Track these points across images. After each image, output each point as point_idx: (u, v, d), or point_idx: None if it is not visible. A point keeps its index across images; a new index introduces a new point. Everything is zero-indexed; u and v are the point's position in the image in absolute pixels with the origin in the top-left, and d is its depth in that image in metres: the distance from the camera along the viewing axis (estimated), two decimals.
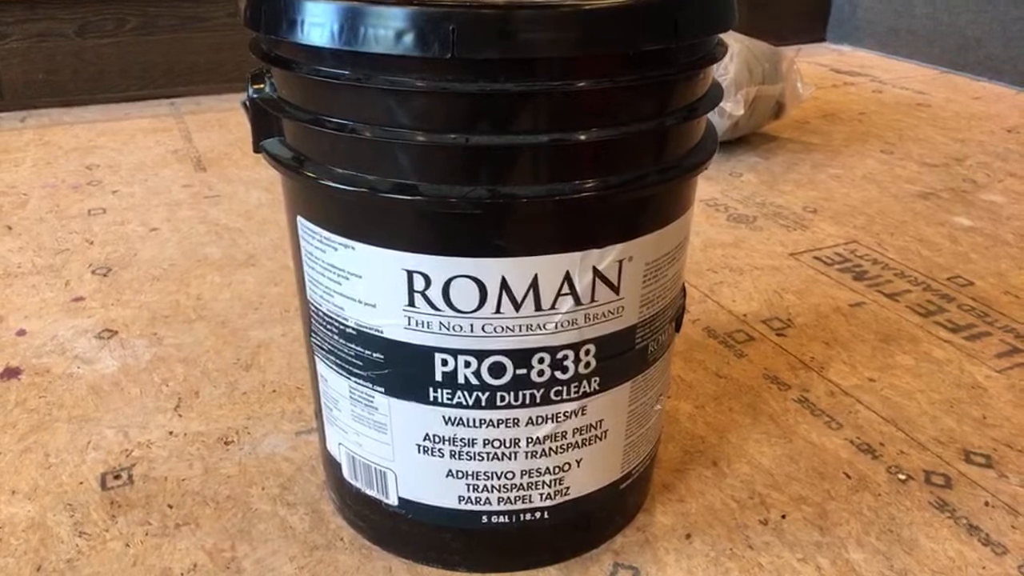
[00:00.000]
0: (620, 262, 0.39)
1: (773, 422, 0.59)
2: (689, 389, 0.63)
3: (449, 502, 0.44)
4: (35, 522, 0.50)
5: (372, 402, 0.42)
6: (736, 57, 1.07)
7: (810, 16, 1.84)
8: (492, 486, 0.43)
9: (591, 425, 0.43)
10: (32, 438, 0.57)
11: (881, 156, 1.15)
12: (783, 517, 0.50)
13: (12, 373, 0.64)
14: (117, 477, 0.53)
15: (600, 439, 0.44)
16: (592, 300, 0.39)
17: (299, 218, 0.42)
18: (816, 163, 1.12)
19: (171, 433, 0.57)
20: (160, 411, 0.60)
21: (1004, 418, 0.60)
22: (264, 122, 0.41)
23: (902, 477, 0.54)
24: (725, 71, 1.06)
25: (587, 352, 0.41)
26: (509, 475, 0.43)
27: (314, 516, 0.50)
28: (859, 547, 0.48)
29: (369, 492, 0.46)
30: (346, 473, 0.47)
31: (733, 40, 1.10)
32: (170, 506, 0.51)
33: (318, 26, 0.35)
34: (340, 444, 0.46)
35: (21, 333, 0.69)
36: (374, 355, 0.41)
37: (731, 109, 1.05)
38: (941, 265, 0.83)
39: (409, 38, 0.33)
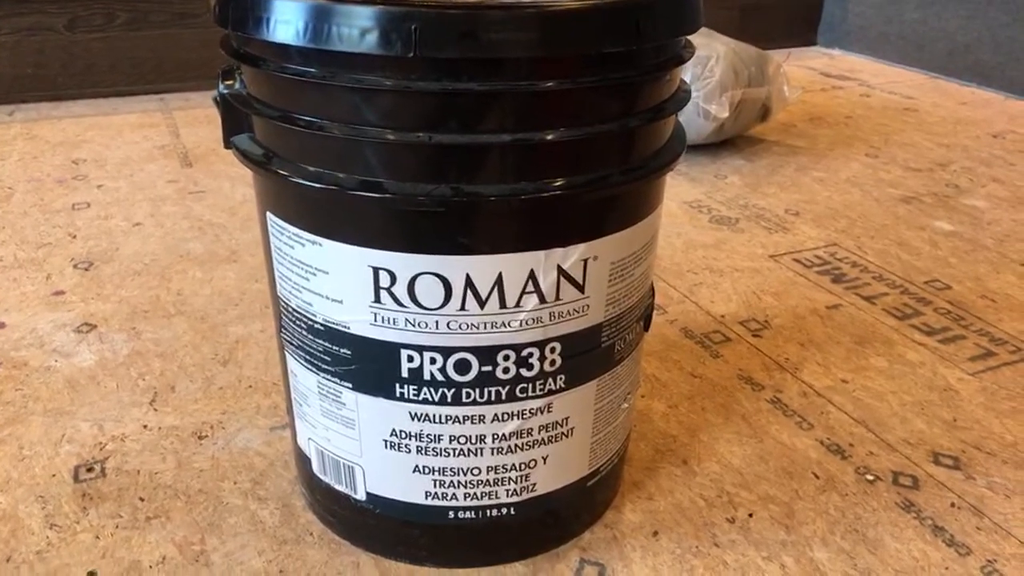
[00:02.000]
0: (585, 261, 0.40)
1: (745, 422, 0.59)
2: (663, 388, 0.63)
3: (416, 497, 0.44)
4: (6, 514, 0.50)
5: (340, 397, 0.43)
6: (722, 60, 1.08)
7: (801, 20, 1.84)
8: (458, 482, 0.43)
9: (557, 423, 0.43)
10: (7, 430, 0.57)
11: (866, 160, 1.16)
12: (750, 516, 0.51)
13: None
14: (90, 470, 0.54)
15: (566, 436, 0.44)
16: (557, 298, 0.40)
17: (268, 214, 0.42)
18: (801, 166, 1.12)
19: (145, 427, 0.58)
20: (135, 405, 0.60)
21: (974, 420, 0.60)
22: (234, 118, 0.42)
23: (870, 478, 0.54)
24: (711, 73, 1.07)
25: (552, 350, 0.41)
26: (475, 471, 0.43)
27: (284, 510, 0.50)
28: (824, 546, 0.49)
29: (338, 487, 0.46)
30: (315, 468, 0.47)
31: (719, 43, 1.11)
32: (141, 499, 0.51)
33: (284, 23, 0.35)
34: (310, 439, 0.47)
35: (1, 326, 0.70)
36: (341, 351, 0.41)
37: (716, 111, 1.06)
38: (920, 269, 0.84)
39: (372, 37, 0.33)
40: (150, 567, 0.46)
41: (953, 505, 0.52)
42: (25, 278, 0.78)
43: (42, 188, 0.99)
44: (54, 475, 0.53)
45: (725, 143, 1.17)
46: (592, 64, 0.36)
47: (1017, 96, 1.48)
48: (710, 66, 1.07)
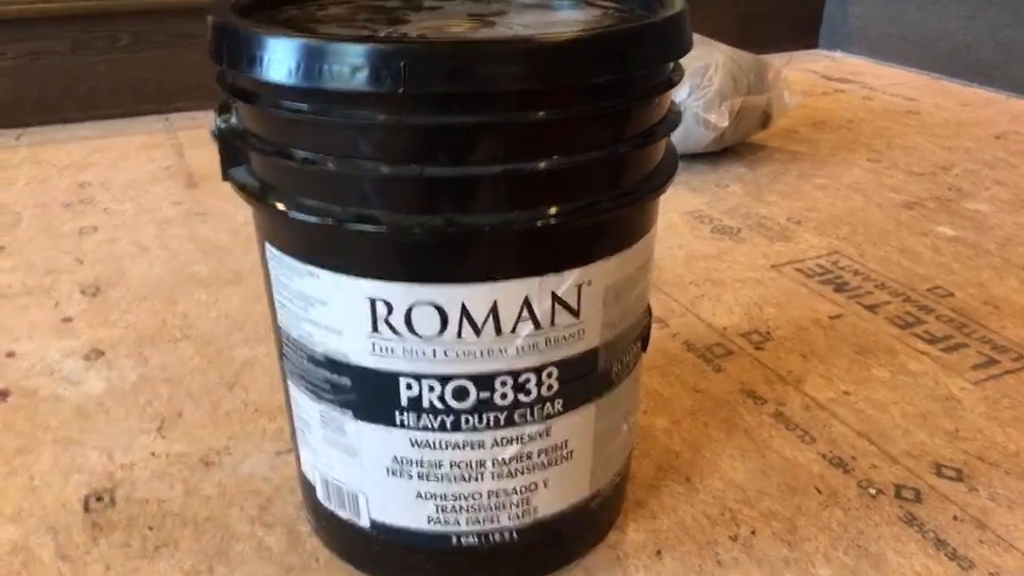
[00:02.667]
0: (579, 286, 0.40)
1: (747, 437, 0.60)
2: (666, 404, 0.63)
3: (419, 524, 0.45)
4: (17, 546, 0.50)
5: (342, 426, 0.43)
6: (720, 69, 1.08)
7: (802, 23, 1.85)
8: (460, 507, 0.44)
9: (556, 446, 0.44)
10: (17, 460, 0.58)
11: (868, 165, 1.16)
12: (753, 533, 0.51)
13: (1, 395, 0.65)
14: (99, 499, 0.54)
15: (566, 459, 0.45)
16: (552, 324, 0.40)
17: (267, 244, 0.43)
18: (802, 173, 1.12)
19: (153, 454, 0.58)
20: (144, 432, 0.61)
21: (977, 431, 0.60)
22: (232, 151, 0.42)
23: (872, 491, 0.54)
24: (710, 82, 1.07)
25: (549, 375, 0.41)
26: (476, 496, 0.44)
27: (291, 537, 0.51)
28: (826, 562, 0.49)
29: (342, 514, 0.47)
30: (320, 495, 0.48)
31: (717, 52, 1.11)
32: (150, 528, 0.52)
33: (276, 62, 0.35)
34: (313, 466, 0.47)
35: (10, 355, 0.70)
36: (342, 380, 0.42)
37: (716, 120, 1.06)
38: (922, 276, 0.84)
39: (363, 74, 0.34)
40: None
41: (956, 518, 0.52)
42: (33, 305, 0.79)
43: (49, 213, 1.00)
44: (64, 505, 0.54)
45: (726, 151, 1.17)
46: (581, 93, 0.37)
47: (1019, 95, 1.47)
48: (709, 75, 1.07)
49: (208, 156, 1.17)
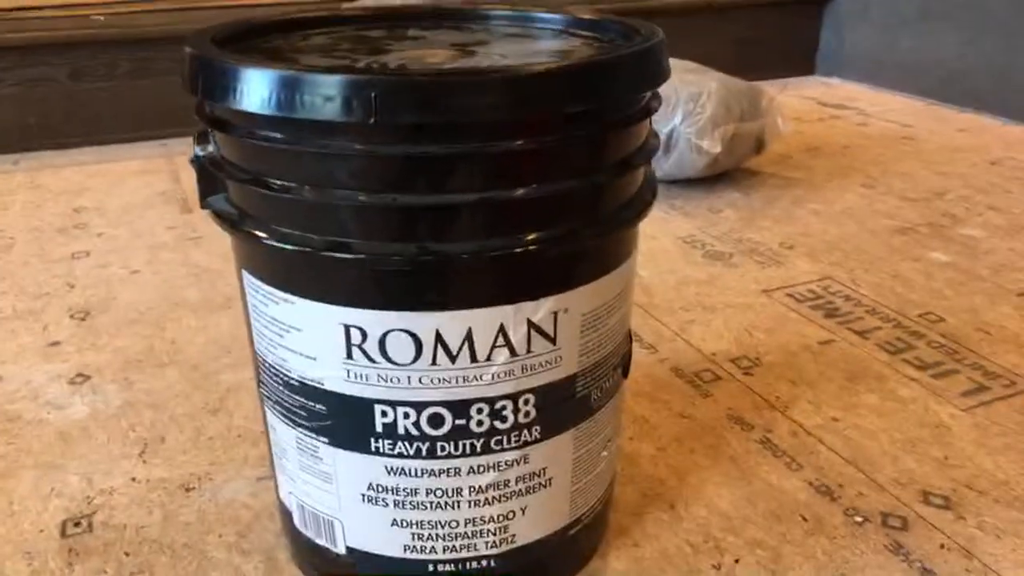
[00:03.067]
0: (555, 313, 0.40)
1: (734, 464, 0.59)
2: (652, 430, 0.63)
3: (395, 551, 0.44)
4: None
5: (317, 452, 0.43)
6: (713, 95, 1.08)
7: (798, 49, 1.86)
8: (437, 535, 0.43)
9: (534, 473, 0.43)
10: None
11: (862, 191, 1.16)
12: (736, 561, 0.50)
13: None
14: (77, 524, 0.54)
15: (544, 487, 0.44)
16: (528, 351, 0.40)
17: (244, 271, 0.43)
18: (796, 198, 1.13)
19: (134, 479, 0.58)
20: (125, 457, 0.60)
21: (966, 458, 0.60)
22: (209, 180, 0.42)
23: (859, 519, 0.54)
24: (702, 109, 1.07)
25: (526, 402, 0.41)
26: (453, 524, 0.43)
27: (268, 564, 0.51)
28: None
29: (319, 541, 0.46)
30: (296, 521, 0.47)
31: (710, 78, 1.12)
32: (127, 554, 0.51)
33: (250, 92, 0.36)
34: (290, 492, 0.47)
35: None
36: (317, 406, 0.42)
37: (708, 147, 1.06)
38: (914, 301, 0.83)
39: (335, 104, 0.34)
40: None
41: (943, 546, 0.52)
42: (23, 329, 0.79)
43: (43, 237, 1.00)
44: (42, 530, 0.53)
45: (720, 176, 1.18)
46: (556, 123, 0.37)
47: (1014, 121, 1.48)
48: (701, 102, 1.08)
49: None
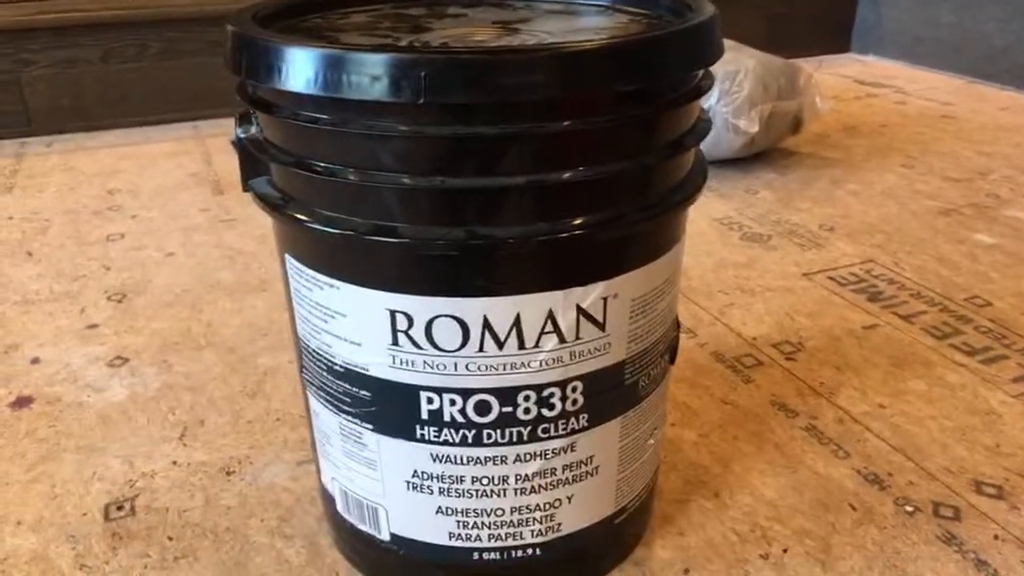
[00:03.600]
0: (605, 299, 0.39)
1: (779, 451, 0.58)
2: (694, 416, 0.62)
3: (440, 539, 0.44)
4: (37, 554, 0.50)
5: (361, 439, 0.42)
6: (750, 74, 1.06)
7: (833, 26, 1.82)
8: (482, 523, 0.43)
9: (581, 462, 0.43)
10: (40, 468, 0.58)
11: (902, 171, 1.13)
12: (784, 551, 0.49)
13: (24, 402, 0.65)
14: (120, 508, 0.54)
15: (591, 475, 0.43)
16: (577, 338, 0.39)
17: (287, 256, 0.42)
18: (835, 179, 1.10)
19: (175, 463, 0.58)
20: (165, 440, 0.60)
21: (1018, 446, 0.58)
22: (252, 162, 0.42)
23: (909, 509, 0.52)
24: (739, 88, 1.05)
25: (574, 389, 0.40)
26: (499, 512, 0.43)
27: (311, 549, 0.50)
28: None
29: (362, 527, 0.46)
30: (340, 507, 0.47)
31: (747, 56, 1.09)
32: (170, 538, 0.51)
33: (296, 72, 0.35)
34: (333, 479, 0.46)
35: (35, 361, 0.71)
36: (361, 393, 0.41)
37: (745, 126, 1.04)
38: (959, 285, 0.81)
39: (382, 84, 0.33)
40: None
41: (996, 537, 0.50)
42: (60, 312, 0.79)
43: (78, 219, 1.01)
44: (85, 514, 0.54)
45: (756, 157, 1.15)
46: (606, 103, 0.35)
47: None
48: (738, 80, 1.06)
49: (235, 163, 1.18)
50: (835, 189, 1.07)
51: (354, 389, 0.41)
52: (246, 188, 0.42)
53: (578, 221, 0.37)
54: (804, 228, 0.95)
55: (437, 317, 0.38)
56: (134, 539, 0.51)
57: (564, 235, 0.37)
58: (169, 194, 1.09)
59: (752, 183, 1.09)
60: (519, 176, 0.35)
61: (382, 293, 0.38)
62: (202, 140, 1.31)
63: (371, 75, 0.33)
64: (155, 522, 0.53)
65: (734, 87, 1.06)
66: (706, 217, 0.98)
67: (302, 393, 0.47)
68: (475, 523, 0.43)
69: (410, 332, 0.38)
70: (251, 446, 0.60)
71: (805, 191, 1.06)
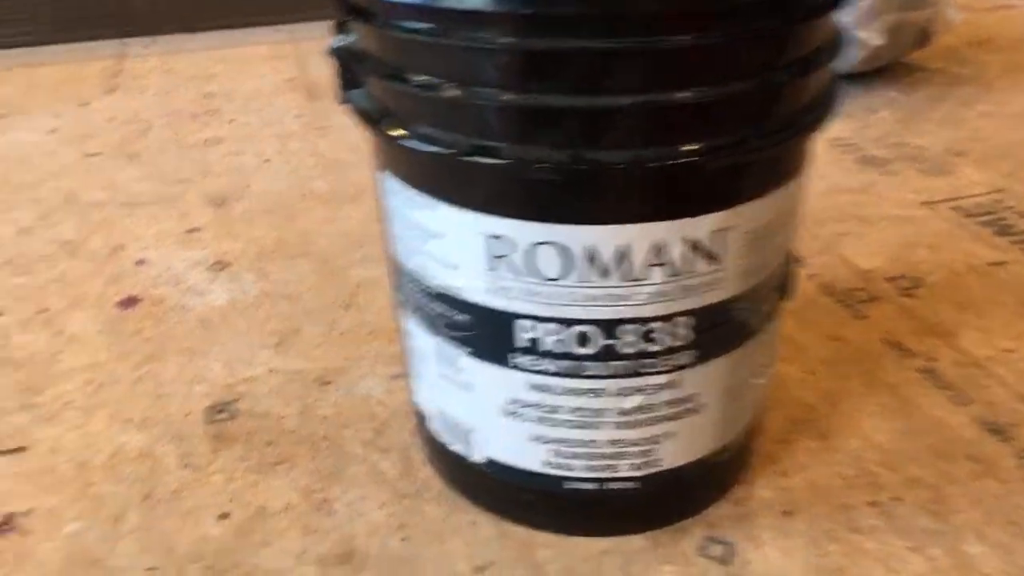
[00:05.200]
0: (718, 232, 0.36)
1: (892, 393, 0.55)
2: (800, 352, 0.59)
3: (533, 465, 0.43)
4: (143, 452, 0.52)
5: (457, 362, 0.42)
6: None
7: None
8: (577, 453, 0.42)
9: (684, 399, 0.41)
10: (146, 368, 0.60)
11: None
12: (894, 499, 0.47)
13: (131, 302, 0.67)
14: (221, 411, 0.55)
15: (694, 412, 0.42)
16: (686, 271, 0.36)
17: (383, 172, 0.41)
18: (964, 98, 1.01)
19: (272, 370, 0.59)
20: (263, 347, 0.61)
21: None
22: (349, 73, 0.40)
23: None
24: None
25: (680, 324, 0.38)
26: (595, 444, 0.41)
27: (404, 463, 0.51)
28: (979, 539, 0.44)
29: (455, 448, 0.46)
30: (433, 427, 0.47)
31: None
32: (268, 443, 0.53)
33: None
34: (428, 399, 0.46)
35: (140, 263, 0.73)
36: (457, 316, 0.40)
37: (868, 38, 0.96)
38: None
39: None
40: (276, 513, 0.48)
41: None
42: (162, 214, 0.81)
43: (177, 123, 1.02)
44: (188, 415, 0.55)
45: (878, 72, 1.07)
46: (729, 14, 0.32)
47: None
48: None
49: (329, 70, 1.17)
50: (964, 110, 0.98)
51: (450, 312, 0.40)
52: (343, 100, 0.40)
53: (694, 147, 0.34)
54: (928, 152, 0.88)
55: (538, 244, 0.36)
56: (234, 442, 0.53)
57: (678, 161, 0.34)
58: (265, 99, 1.08)
59: (872, 101, 1.01)
60: (629, 96, 0.32)
61: (481, 216, 0.36)
62: (297, 44, 1.29)
63: None
64: (254, 427, 0.54)
65: None
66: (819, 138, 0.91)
67: (394, 311, 0.47)
68: (570, 453, 0.42)
69: (509, 258, 0.37)
70: (345, 357, 0.60)
71: (931, 111, 0.98)
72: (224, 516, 0.48)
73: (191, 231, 0.77)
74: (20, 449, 0.53)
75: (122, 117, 1.04)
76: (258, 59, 1.24)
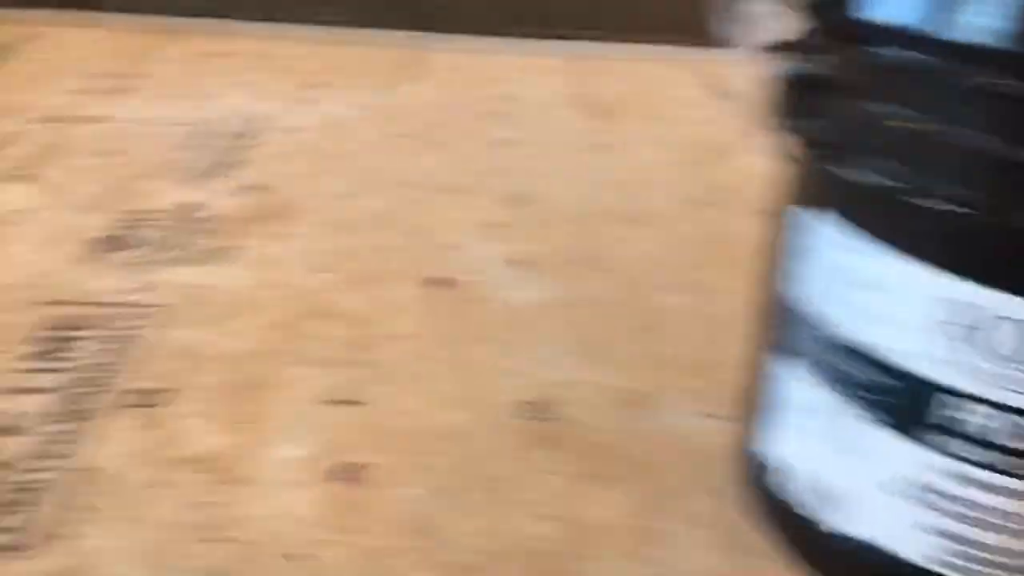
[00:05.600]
0: None
1: None
2: None
3: (909, 554, 0.39)
4: (469, 432, 0.53)
5: (850, 424, 0.39)
6: None
7: None
8: (971, 556, 0.37)
9: None
10: (459, 350, 0.61)
11: None
12: None
13: (448, 284, 0.69)
14: (531, 409, 0.55)
15: None
16: None
17: (802, 206, 0.38)
18: None
19: (580, 380, 0.58)
20: (570, 354, 0.61)
21: None
22: (798, 100, 0.38)
23: None
24: None
25: None
26: (995, 550, 0.37)
27: (729, 510, 0.48)
28: None
29: (810, 511, 0.43)
30: (781, 482, 0.44)
31: None
32: (585, 455, 0.52)
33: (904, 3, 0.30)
34: (791, 453, 0.43)
35: (454, 247, 0.75)
36: (867, 376, 0.37)
37: None
38: None
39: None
40: (597, 528, 0.47)
41: None
42: (467, 204, 0.83)
43: (475, 119, 1.05)
44: (498, 406, 0.55)
45: None
46: None
47: None
48: None
49: (616, 88, 1.17)
50: None
51: (859, 370, 0.37)
52: (791, 127, 0.39)
53: None
54: None
55: (1002, 318, 0.32)
56: (545, 444, 0.52)
57: None
58: (551, 110, 1.10)
59: None
60: None
61: (936, 273, 0.33)
62: (580, 62, 1.31)
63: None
64: (564, 434, 0.53)
65: None
66: None
67: (759, 351, 0.45)
68: (960, 551, 0.38)
69: (959, 327, 0.33)
70: (650, 382, 0.59)
71: None
72: (550, 519, 0.47)
73: (494, 225, 0.79)
74: (355, 402, 0.55)
75: (423, 105, 1.09)
76: (547, 71, 1.26)
